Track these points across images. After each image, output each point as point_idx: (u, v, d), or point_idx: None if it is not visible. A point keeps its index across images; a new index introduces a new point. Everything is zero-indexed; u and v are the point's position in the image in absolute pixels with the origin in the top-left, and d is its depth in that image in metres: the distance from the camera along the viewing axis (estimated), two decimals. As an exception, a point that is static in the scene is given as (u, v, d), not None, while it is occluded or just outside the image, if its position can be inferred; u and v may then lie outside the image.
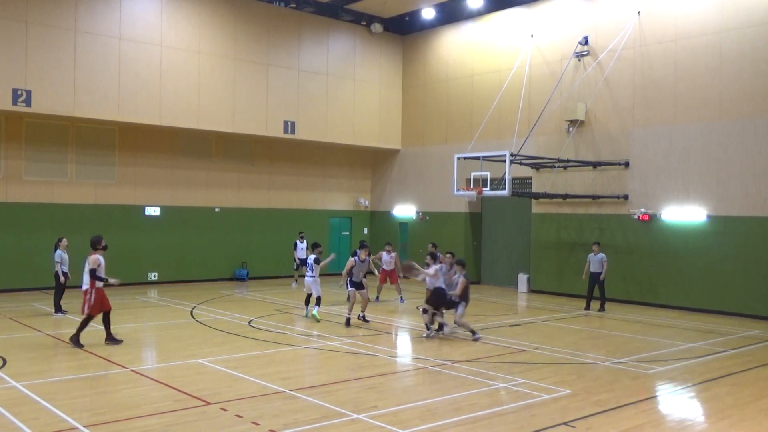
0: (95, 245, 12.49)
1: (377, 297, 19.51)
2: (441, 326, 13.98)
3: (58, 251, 15.96)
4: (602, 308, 18.15)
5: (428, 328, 13.77)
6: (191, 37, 22.27)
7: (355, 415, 8.22)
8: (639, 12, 19.98)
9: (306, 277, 15.89)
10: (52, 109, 19.54)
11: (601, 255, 18.03)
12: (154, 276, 23.03)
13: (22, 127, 20.48)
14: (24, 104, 18.99)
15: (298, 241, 22.93)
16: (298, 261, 22.88)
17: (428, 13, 25.61)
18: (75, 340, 12.18)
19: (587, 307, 18.25)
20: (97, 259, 12.26)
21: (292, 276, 23.94)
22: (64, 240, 16.22)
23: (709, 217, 18.37)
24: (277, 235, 25.90)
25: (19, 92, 18.91)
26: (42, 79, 19.30)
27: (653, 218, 19.48)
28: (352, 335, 13.82)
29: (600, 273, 17.93)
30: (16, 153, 20.45)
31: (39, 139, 20.78)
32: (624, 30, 20.19)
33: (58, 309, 15.98)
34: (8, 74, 18.79)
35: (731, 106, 18.03)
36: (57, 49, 19.61)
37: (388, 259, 19.32)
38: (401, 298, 19.42)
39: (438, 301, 13.69)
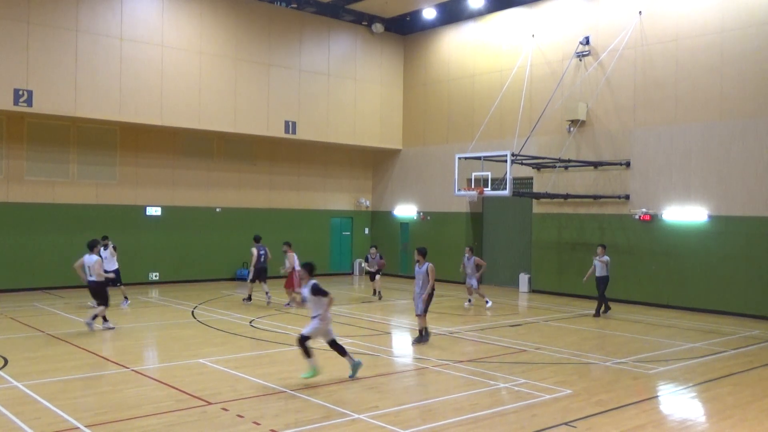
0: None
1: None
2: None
3: None
4: (597, 314, 17.38)
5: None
6: (192, 38, 22.28)
7: (356, 415, 8.22)
8: (640, 12, 19.97)
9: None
10: (53, 109, 19.57)
11: (607, 258, 17.39)
12: (155, 276, 23.05)
13: (24, 127, 20.50)
14: (25, 104, 19.00)
15: (102, 248, 16.80)
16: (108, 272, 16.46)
17: (429, 13, 25.61)
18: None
19: (605, 309, 17.52)
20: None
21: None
22: None
23: (710, 217, 18.36)
24: (279, 236, 25.85)
25: (21, 92, 18.93)
26: (43, 80, 19.32)
27: (654, 218, 19.46)
28: (352, 335, 13.83)
29: (603, 276, 17.32)
30: (17, 153, 20.47)
31: (40, 139, 20.80)
32: (625, 30, 20.18)
33: None
34: (10, 74, 18.81)
35: (732, 105, 18.02)
36: (58, 50, 19.63)
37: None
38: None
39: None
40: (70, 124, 21.22)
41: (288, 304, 17.80)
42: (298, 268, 17.79)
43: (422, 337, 13.14)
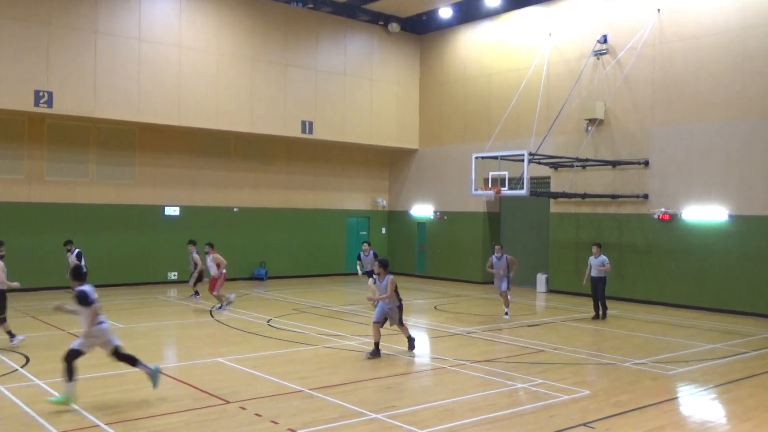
0: None
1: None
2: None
3: None
4: (600, 314, 16.64)
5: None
6: (210, 38, 22.42)
7: (373, 415, 8.22)
8: (659, 9, 19.77)
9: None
10: (73, 110, 19.78)
11: (603, 258, 16.60)
12: (174, 275, 23.21)
13: (44, 128, 20.75)
14: (46, 105, 19.22)
15: (67, 253, 18.03)
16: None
17: (446, 13, 25.55)
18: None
19: (597, 315, 16.65)
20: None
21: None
22: None
23: (730, 216, 18.14)
24: (296, 235, 26.01)
25: (41, 94, 19.14)
26: (63, 81, 19.53)
27: (674, 218, 19.28)
28: (368, 335, 13.82)
29: (602, 277, 16.50)
30: (38, 154, 20.73)
31: (60, 140, 21.04)
32: (643, 28, 20.00)
33: None
34: (30, 76, 19.03)
35: (754, 103, 17.79)
36: (78, 51, 19.83)
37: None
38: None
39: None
40: (89, 125, 21.44)
41: (221, 308, 17.36)
42: (224, 271, 17.92)
43: (377, 351, 11.70)
